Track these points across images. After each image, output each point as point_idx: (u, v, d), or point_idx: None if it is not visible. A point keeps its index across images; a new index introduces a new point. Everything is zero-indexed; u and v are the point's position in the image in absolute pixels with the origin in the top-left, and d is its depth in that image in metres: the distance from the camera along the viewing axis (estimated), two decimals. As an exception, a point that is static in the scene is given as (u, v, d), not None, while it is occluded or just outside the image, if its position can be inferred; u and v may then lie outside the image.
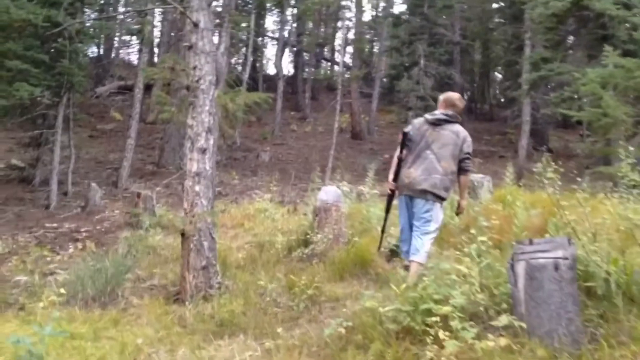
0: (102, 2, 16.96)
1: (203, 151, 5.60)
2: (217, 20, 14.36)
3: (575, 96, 10.83)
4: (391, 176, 5.02)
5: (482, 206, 8.03)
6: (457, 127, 4.86)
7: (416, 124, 5.02)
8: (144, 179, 14.31)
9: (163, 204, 10.73)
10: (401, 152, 4.93)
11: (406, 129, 5.02)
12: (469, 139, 4.87)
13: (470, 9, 22.76)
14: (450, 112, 4.87)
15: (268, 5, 29.41)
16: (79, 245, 8.20)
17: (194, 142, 5.60)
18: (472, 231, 4.50)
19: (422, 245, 4.76)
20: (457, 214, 5.34)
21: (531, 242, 3.72)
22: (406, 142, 4.90)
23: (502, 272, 3.88)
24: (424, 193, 4.75)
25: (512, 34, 19.39)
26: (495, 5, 27.15)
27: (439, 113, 4.90)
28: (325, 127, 24.69)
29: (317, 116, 26.58)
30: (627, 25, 10.76)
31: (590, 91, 9.09)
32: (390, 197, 5.19)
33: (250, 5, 20.25)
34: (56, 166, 11.66)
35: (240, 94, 6.19)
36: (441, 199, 4.84)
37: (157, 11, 21.72)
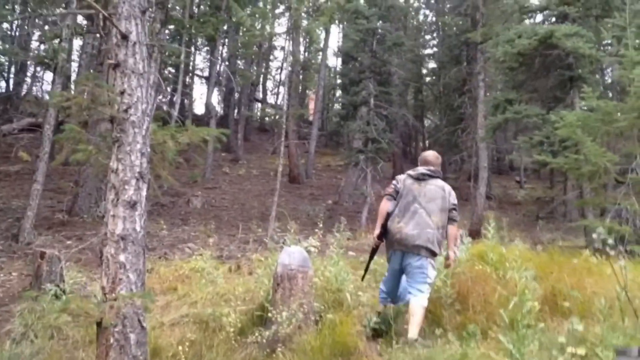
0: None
1: (132, 205, 4.08)
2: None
3: (546, 141, 10.16)
4: (377, 231, 5.04)
5: (464, 266, 6.92)
6: (441, 182, 5.02)
7: (402, 179, 5.09)
8: (53, 231, 12.16)
9: (74, 265, 8.80)
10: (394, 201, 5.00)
11: (397, 184, 5.08)
12: (453, 192, 5.05)
13: (412, 50, 22.50)
14: (432, 168, 5.03)
15: (199, 42, 28.21)
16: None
17: (119, 192, 4.07)
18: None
19: (420, 298, 4.76)
20: (447, 266, 5.24)
21: None
22: (393, 195, 5.00)
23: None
24: (417, 248, 4.76)
25: (454, 77, 19.11)
26: (430, 51, 27.36)
27: (422, 169, 5.02)
28: (260, 170, 23.30)
29: (251, 158, 25.20)
30: (594, 66, 10.41)
31: (567, 136, 8.35)
32: (374, 252, 5.27)
33: (179, 38, 18.75)
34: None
35: (183, 130, 4.71)
36: (434, 254, 4.85)
37: (77, 44, 19.80)
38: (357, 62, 15.51)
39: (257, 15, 13.20)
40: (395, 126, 18.44)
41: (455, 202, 4.98)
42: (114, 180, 4.10)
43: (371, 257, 5.33)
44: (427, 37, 28.39)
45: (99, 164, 4.50)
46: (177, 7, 15.99)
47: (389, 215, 4.91)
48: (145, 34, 4.40)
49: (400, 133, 19.54)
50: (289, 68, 17.16)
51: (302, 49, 27.34)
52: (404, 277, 5.08)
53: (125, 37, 4.20)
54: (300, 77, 26.20)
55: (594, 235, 3.72)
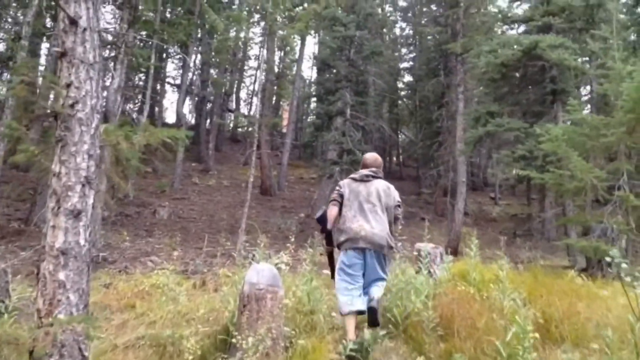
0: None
1: (76, 215, 3.54)
2: (111, 52, 12.23)
3: (529, 155, 9.86)
4: (325, 239, 5.23)
5: (446, 286, 6.50)
6: (383, 181, 5.12)
7: (346, 183, 5.16)
8: (6, 241, 11.36)
9: (25, 279, 8.09)
10: (339, 211, 5.03)
11: (340, 189, 5.12)
12: (396, 191, 5.16)
13: (388, 63, 22.24)
14: (374, 169, 5.14)
15: (171, 50, 27.54)
16: None
17: (61, 199, 3.52)
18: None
19: (380, 291, 4.95)
20: None
21: None
22: (339, 200, 5.04)
23: None
24: (380, 245, 4.84)
25: (432, 90, 18.85)
26: (406, 64, 27.21)
27: (364, 171, 5.13)
28: (231, 180, 22.68)
29: (222, 169, 24.55)
30: (579, 79, 10.21)
31: (552, 150, 8.05)
32: (331, 256, 5.32)
33: (150, 43, 18.10)
34: None
35: (139, 130, 4.17)
36: (392, 249, 4.98)
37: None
38: (333, 70, 15.10)
39: (231, 20, 12.72)
40: (371, 138, 18.07)
41: (399, 200, 5.12)
42: (55, 186, 3.55)
43: (331, 260, 5.35)
44: (404, 50, 28.28)
45: (41, 167, 3.91)
46: (149, 13, 15.39)
47: (337, 219, 4.99)
48: (97, 19, 3.88)
49: (374, 147, 19.21)
50: (263, 76, 16.63)
51: (276, 59, 26.98)
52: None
53: (74, 22, 3.68)
54: (275, 87, 25.73)
55: (590, 256, 3.30)
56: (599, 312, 5.16)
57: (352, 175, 5.22)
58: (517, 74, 10.93)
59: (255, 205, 19.04)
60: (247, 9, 12.22)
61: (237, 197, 19.69)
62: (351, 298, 4.88)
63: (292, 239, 9.72)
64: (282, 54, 33.22)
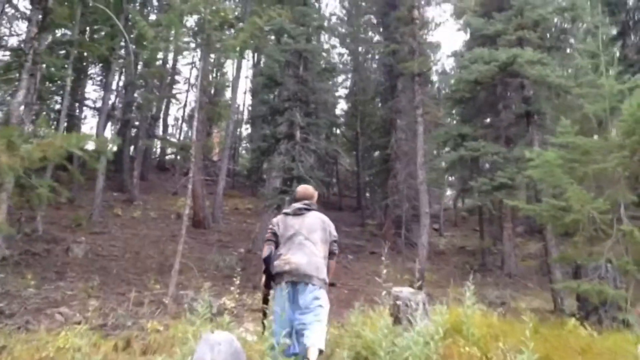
0: None
1: None
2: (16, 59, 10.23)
3: (510, 183, 8.84)
4: (263, 279, 4.78)
5: (441, 346, 5.22)
6: (319, 214, 4.89)
7: (278, 219, 4.96)
8: None
9: None
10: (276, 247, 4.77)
11: (273, 227, 4.88)
12: (332, 224, 4.91)
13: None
14: (307, 201, 4.95)
15: (90, 71, 25.30)
16: None
17: None
18: None
19: (319, 332, 4.34)
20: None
21: None
22: (273, 239, 4.80)
23: None
24: (309, 277, 4.48)
25: (380, 115, 17.82)
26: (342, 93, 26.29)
27: (297, 204, 4.95)
28: (159, 212, 20.57)
29: (148, 199, 22.35)
30: (562, 98, 9.38)
31: (541, 177, 7.03)
32: (266, 298, 4.86)
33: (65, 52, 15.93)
34: None
35: (30, 137, 2.58)
36: (325, 283, 4.61)
37: None
38: (280, 88, 13.61)
39: (162, 27, 11.07)
40: (323, 164, 16.73)
41: (336, 234, 4.88)
42: None
43: (265, 302, 4.89)
44: (341, 77, 27.42)
45: None
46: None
47: (271, 258, 4.67)
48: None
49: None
50: (198, 94, 14.86)
51: (211, 79, 25.31)
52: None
53: None
54: (209, 109, 23.99)
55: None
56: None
57: (285, 210, 5.04)
58: (496, 91, 10.04)
59: (189, 240, 17.10)
60: (180, 16, 10.59)
61: (166, 230, 17.67)
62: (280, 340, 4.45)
63: (237, 280, 8.20)
64: (218, 75, 31.69)
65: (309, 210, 4.88)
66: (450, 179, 21.78)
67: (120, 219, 18.86)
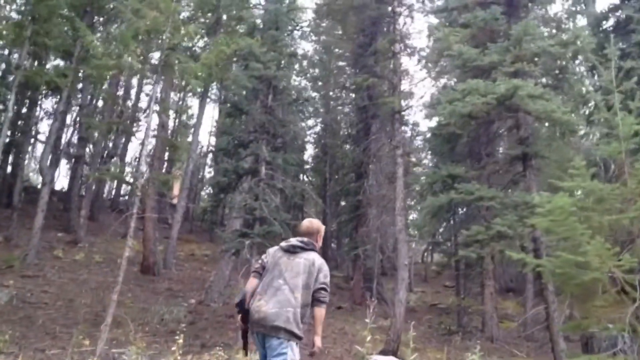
0: None
1: None
2: None
3: (510, 232, 7.73)
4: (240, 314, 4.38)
5: None
6: (313, 255, 4.42)
7: (271, 252, 4.61)
8: None
9: None
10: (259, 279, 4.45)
11: (264, 259, 4.57)
12: (326, 267, 4.38)
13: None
14: (305, 240, 4.53)
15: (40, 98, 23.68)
16: None
17: None
18: None
19: None
20: (312, 354, 4.36)
21: None
22: (260, 272, 4.49)
23: None
24: (276, 330, 4.09)
25: (352, 158, 16.72)
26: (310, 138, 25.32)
27: (294, 240, 4.57)
28: (105, 255, 18.67)
29: (95, 241, 20.43)
30: (569, 136, 8.47)
31: (549, 228, 5.94)
32: (245, 334, 4.49)
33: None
34: None
35: None
36: (296, 336, 4.14)
37: None
38: (245, 118, 12.33)
39: (114, 43, 9.86)
40: (291, 205, 15.36)
41: (326, 280, 4.34)
42: None
43: (244, 338, 4.55)
44: (310, 122, 26.49)
45: None
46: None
47: (244, 302, 4.32)
48: None
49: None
50: (147, 122, 13.40)
51: (171, 119, 24.04)
52: None
53: None
54: (166, 148, 22.49)
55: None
56: None
57: (281, 244, 4.64)
58: (492, 127, 9.07)
59: (134, 287, 15.30)
60: (134, 33, 9.39)
61: (109, 275, 15.84)
62: None
63: (179, 338, 6.82)
64: (177, 118, 30.56)
65: (304, 249, 4.44)
66: (424, 229, 20.67)
67: (59, 261, 16.91)
